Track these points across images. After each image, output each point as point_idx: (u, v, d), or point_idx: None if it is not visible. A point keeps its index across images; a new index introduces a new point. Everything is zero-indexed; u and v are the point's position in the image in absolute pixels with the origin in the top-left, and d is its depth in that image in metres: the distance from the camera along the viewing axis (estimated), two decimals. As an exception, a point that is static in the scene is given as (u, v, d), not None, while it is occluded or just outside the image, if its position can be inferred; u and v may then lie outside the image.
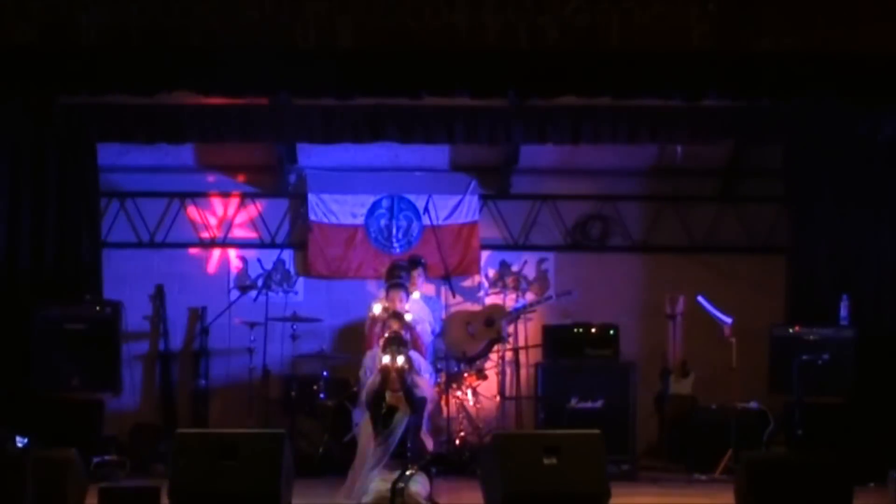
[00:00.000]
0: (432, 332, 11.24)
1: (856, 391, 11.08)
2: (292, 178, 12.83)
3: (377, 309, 10.52)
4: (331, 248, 12.67)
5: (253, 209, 12.85)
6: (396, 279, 10.51)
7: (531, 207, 12.93)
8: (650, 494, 9.96)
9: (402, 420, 8.93)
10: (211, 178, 12.88)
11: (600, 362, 11.47)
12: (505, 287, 12.64)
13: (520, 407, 12.08)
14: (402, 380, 9.08)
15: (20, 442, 9.12)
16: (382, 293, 10.68)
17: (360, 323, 11.05)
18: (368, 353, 10.42)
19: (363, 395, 9.53)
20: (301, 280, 12.75)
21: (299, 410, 11.57)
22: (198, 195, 12.83)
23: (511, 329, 12.03)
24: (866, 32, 9.20)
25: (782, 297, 12.17)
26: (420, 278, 11.12)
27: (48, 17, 8.97)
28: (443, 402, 11.25)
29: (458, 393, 11.46)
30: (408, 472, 8.62)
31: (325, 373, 11.62)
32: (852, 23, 9.11)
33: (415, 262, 11.33)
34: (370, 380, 9.47)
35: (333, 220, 12.70)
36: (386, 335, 9.64)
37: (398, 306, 10.28)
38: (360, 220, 12.73)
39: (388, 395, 8.98)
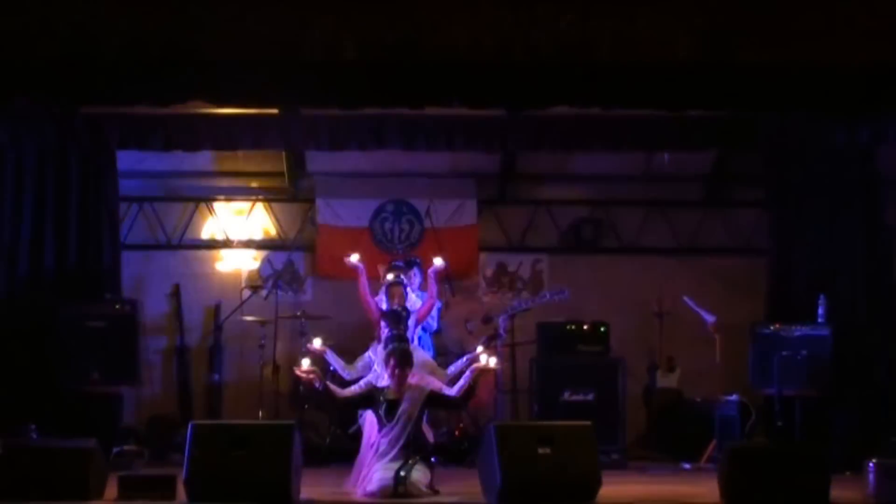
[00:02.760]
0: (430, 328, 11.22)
1: (832, 385, 11.09)
2: (301, 183, 12.84)
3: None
4: (338, 250, 12.63)
5: (264, 213, 12.86)
6: (396, 279, 10.46)
7: (527, 211, 12.94)
8: (639, 482, 9.96)
9: (407, 414, 8.86)
10: (224, 183, 12.90)
11: (592, 358, 11.47)
12: (502, 287, 12.65)
13: (516, 400, 12.09)
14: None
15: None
16: (382, 292, 10.64)
17: (365, 320, 11.05)
18: (370, 348, 10.40)
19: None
20: (310, 280, 12.77)
21: (307, 403, 11.58)
22: (212, 199, 12.85)
23: (507, 326, 12.03)
24: (841, 47, 9.23)
25: (763, 296, 12.15)
26: (416, 278, 11.07)
27: (71, 32, 9.00)
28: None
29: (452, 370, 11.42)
30: (410, 462, 8.63)
31: (332, 367, 11.60)
32: (829, 38, 9.13)
33: (410, 263, 11.26)
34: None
35: (340, 223, 12.71)
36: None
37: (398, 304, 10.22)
38: (365, 223, 12.75)
39: (388, 391, 8.95)
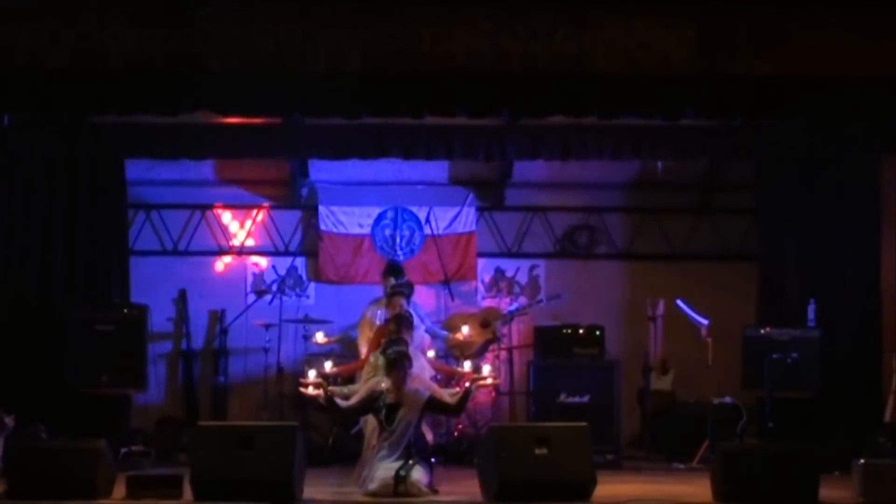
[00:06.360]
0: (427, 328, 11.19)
1: (821, 387, 11.10)
2: (304, 191, 12.82)
3: (370, 313, 10.47)
4: (340, 256, 12.66)
5: (268, 220, 12.83)
6: (395, 287, 10.40)
7: (523, 218, 12.91)
8: (633, 482, 9.94)
9: (406, 419, 8.83)
10: (229, 191, 12.88)
11: (587, 360, 11.49)
12: (499, 292, 12.63)
13: (513, 402, 12.06)
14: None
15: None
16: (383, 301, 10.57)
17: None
18: (372, 355, 10.36)
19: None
20: (312, 285, 12.74)
21: (311, 405, 11.55)
22: (217, 207, 12.82)
23: (505, 330, 12.01)
24: (830, 59, 9.24)
25: (754, 301, 12.17)
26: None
27: (80, 43, 8.99)
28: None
29: (456, 389, 11.41)
30: (410, 462, 8.61)
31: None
32: (818, 50, 9.14)
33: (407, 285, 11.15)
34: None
35: (342, 229, 12.69)
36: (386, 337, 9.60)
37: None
38: (366, 230, 12.72)
39: (388, 395, 8.92)
